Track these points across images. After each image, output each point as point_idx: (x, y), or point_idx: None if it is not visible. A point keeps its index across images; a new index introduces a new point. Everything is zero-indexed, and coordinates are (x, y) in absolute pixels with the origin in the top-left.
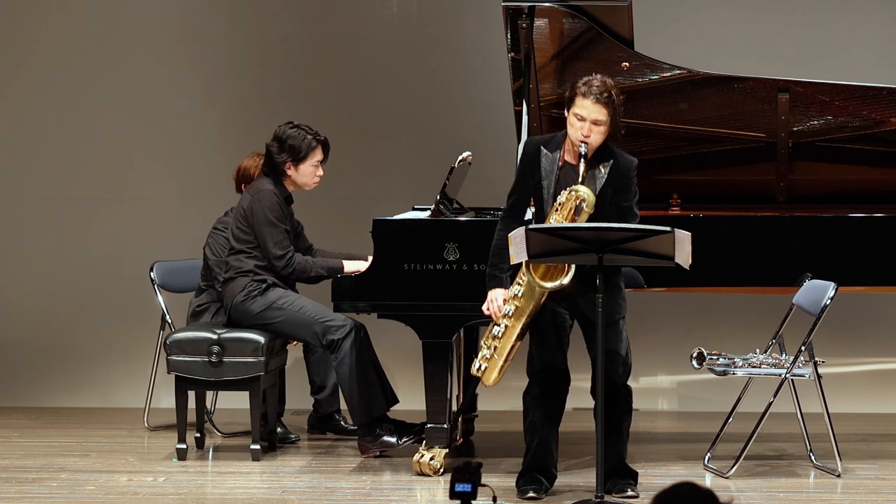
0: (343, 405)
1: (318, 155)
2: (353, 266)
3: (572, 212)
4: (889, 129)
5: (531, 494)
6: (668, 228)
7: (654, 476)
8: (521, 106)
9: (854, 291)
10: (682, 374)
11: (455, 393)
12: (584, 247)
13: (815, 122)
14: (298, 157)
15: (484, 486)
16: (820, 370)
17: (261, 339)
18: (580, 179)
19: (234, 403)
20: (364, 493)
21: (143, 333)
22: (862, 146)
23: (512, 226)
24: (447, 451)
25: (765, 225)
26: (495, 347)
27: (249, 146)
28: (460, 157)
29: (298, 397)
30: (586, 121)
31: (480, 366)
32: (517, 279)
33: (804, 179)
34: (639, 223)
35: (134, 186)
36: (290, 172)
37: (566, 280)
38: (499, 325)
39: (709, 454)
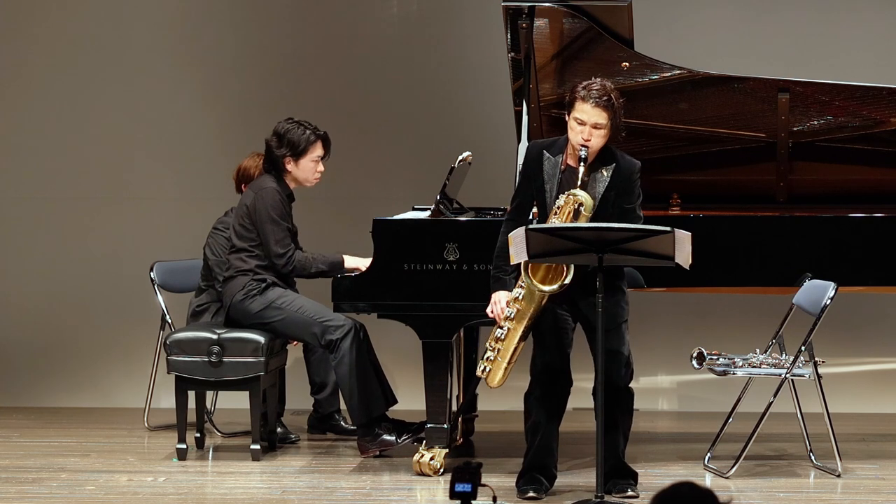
0: (343, 405)
1: (317, 149)
2: (353, 262)
3: (571, 215)
4: (889, 129)
5: (531, 494)
6: (668, 228)
7: (654, 476)
8: (521, 106)
9: (854, 291)
10: (682, 374)
11: (455, 393)
12: (584, 247)
13: (815, 122)
14: (298, 152)
15: (484, 486)
16: (820, 370)
17: (261, 339)
18: (580, 183)
19: (234, 403)
20: (364, 493)
21: (143, 333)
22: (862, 146)
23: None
24: (447, 451)
25: (765, 225)
26: (498, 350)
27: (249, 146)
28: (460, 157)
29: (298, 397)
30: (586, 125)
31: (485, 367)
32: (519, 282)
33: (804, 179)
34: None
35: (134, 186)
36: (289, 168)
37: (566, 282)
38: (501, 328)
39: (709, 454)
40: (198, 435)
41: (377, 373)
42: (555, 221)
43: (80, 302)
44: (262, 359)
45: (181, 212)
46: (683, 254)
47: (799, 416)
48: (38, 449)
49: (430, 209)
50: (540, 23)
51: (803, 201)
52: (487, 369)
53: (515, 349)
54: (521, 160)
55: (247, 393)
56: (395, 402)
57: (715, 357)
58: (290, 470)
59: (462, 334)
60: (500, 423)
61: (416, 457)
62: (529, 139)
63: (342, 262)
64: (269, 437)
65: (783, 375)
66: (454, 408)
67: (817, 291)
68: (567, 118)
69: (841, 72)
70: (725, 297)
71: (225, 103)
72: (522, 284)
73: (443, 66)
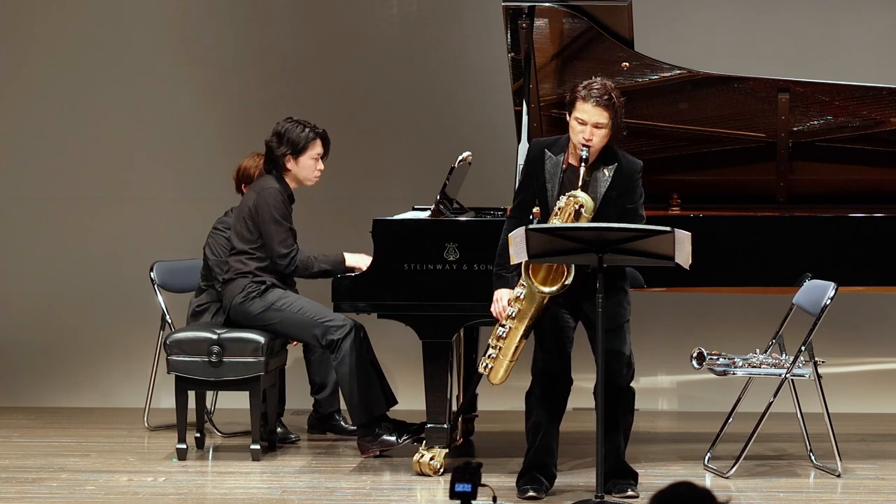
0: (343, 405)
1: (317, 147)
2: (354, 259)
3: (571, 217)
4: (889, 129)
5: (531, 494)
6: (668, 228)
7: (654, 476)
8: (521, 106)
9: (854, 291)
10: (682, 374)
11: (455, 393)
12: (584, 247)
13: (815, 122)
14: (297, 149)
15: (484, 486)
16: (820, 370)
17: (261, 339)
18: (580, 183)
19: (234, 403)
20: (364, 493)
21: (143, 333)
22: (862, 146)
23: (517, 226)
24: (447, 451)
25: (765, 225)
26: (500, 348)
27: (249, 146)
28: (460, 157)
29: (298, 397)
30: (587, 124)
31: (487, 365)
32: (521, 281)
33: (804, 179)
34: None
35: (134, 186)
36: (290, 166)
37: (567, 282)
38: (503, 326)
39: (709, 454)
40: (198, 435)
41: (377, 373)
42: (555, 223)
43: (80, 302)
44: (262, 359)
45: (181, 212)
46: (683, 254)
47: (799, 416)
48: (38, 449)
49: (430, 209)
50: (540, 23)
51: (803, 201)
52: (489, 367)
53: (517, 347)
54: (521, 160)
55: (247, 393)
56: (396, 402)
57: (715, 357)
58: (290, 470)
59: (462, 334)
60: (500, 423)
61: (416, 457)
62: (529, 139)
63: (343, 260)
64: (269, 437)
65: (783, 375)
66: (454, 408)
67: (817, 291)
68: (568, 118)
69: (841, 72)
70: (725, 297)
71: (225, 103)
72: (524, 284)
73: (443, 66)
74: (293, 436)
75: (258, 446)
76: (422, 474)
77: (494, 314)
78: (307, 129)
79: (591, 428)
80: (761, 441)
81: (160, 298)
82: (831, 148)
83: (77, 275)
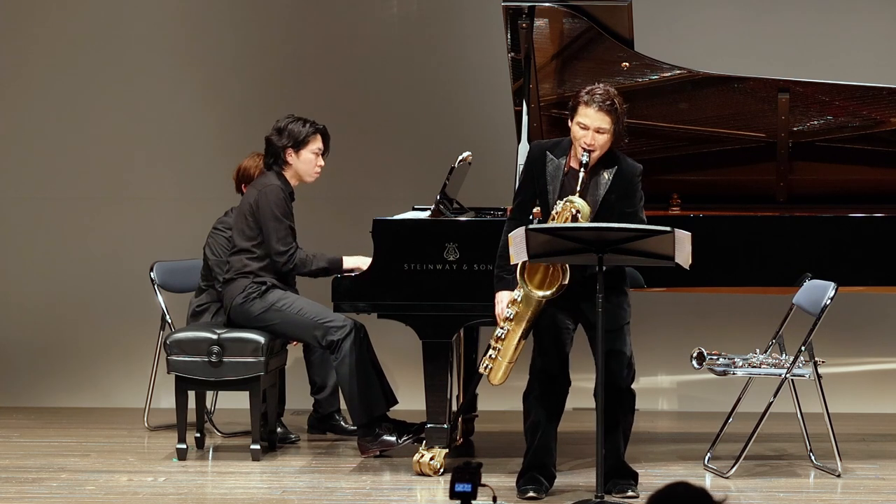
0: (343, 405)
1: (317, 142)
2: (352, 261)
3: (568, 222)
4: (889, 129)
5: (531, 494)
6: (668, 228)
7: (654, 476)
8: (521, 106)
9: (854, 291)
10: (682, 374)
11: (455, 393)
12: (584, 247)
13: (815, 122)
14: (298, 143)
15: (484, 486)
16: (820, 370)
17: (261, 339)
18: (579, 189)
19: (234, 403)
20: (364, 493)
21: (143, 333)
22: (862, 146)
23: (518, 226)
24: (447, 451)
25: (765, 225)
26: (499, 349)
27: (249, 146)
28: (460, 157)
29: (298, 397)
30: (589, 129)
31: (487, 365)
32: (519, 284)
33: (804, 179)
34: None
35: (134, 186)
36: (290, 160)
37: (563, 283)
38: (502, 328)
39: (709, 454)
40: (198, 435)
41: (377, 373)
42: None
43: (80, 302)
44: (262, 359)
45: (181, 212)
46: (683, 254)
47: (799, 416)
48: (38, 449)
49: (430, 209)
50: (540, 23)
51: (803, 201)
52: (489, 367)
53: (516, 348)
54: (521, 160)
55: (247, 393)
56: (396, 402)
57: (715, 357)
58: (290, 470)
59: (462, 334)
60: (500, 423)
61: (416, 457)
62: (529, 139)
63: (341, 260)
64: (269, 437)
65: (783, 375)
66: (454, 408)
67: (817, 291)
68: (570, 123)
69: (841, 72)
70: (725, 297)
71: (225, 103)
72: (520, 287)
73: (443, 66)
74: (293, 436)
75: (258, 446)
76: (422, 474)
77: (496, 315)
78: (308, 124)
79: (590, 428)
80: (761, 441)
81: (160, 298)
82: (831, 148)
83: (77, 275)
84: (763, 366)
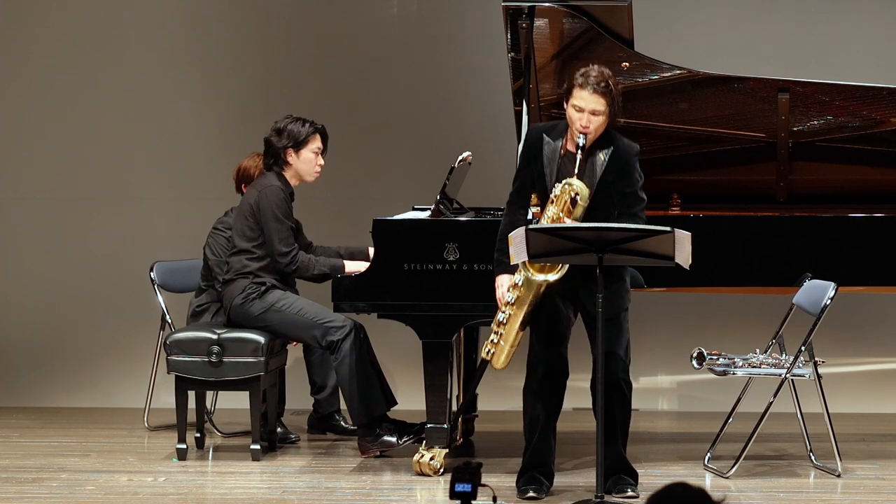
0: (343, 405)
1: (317, 141)
2: (354, 266)
3: (567, 204)
4: (889, 129)
5: (531, 494)
6: (668, 228)
7: (654, 476)
8: (521, 106)
9: (854, 291)
10: (682, 374)
11: (455, 393)
12: (584, 247)
13: (815, 122)
14: (298, 142)
15: (484, 486)
16: (820, 370)
17: (261, 339)
18: (576, 170)
19: (234, 403)
20: (364, 493)
21: (143, 333)
22: (862, 146)
23: (518, 211)
24: (447, 451)
25: (765, 225)
26: (501, 333)
27: (249, 146)
28: (460, 157)
29: (298, 397)
30: (585, 111)
31: (489, 350)
32: (519, 268)
33: (804, 179)
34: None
35: (134, 186)
36: (290, 160)
37: (563, 272)
38: (503, 312)
39: (709, 454)
40: (198, 435)
41: (377, 373)
42: (552, 210)
43: (80, 302)
44: (262, 359)
45: (181, 212)
46: (683, 254)
47: (799, 416)
48: (38, 449)
49: (430, 209)
50: (540, 23)
51: (803, 201)
52: (491, 352)
53: (517, 333)
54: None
55: (247, 393)
56: (395, 402)
57: (715, 357)
58: (290, 470)
59: (462, 334)
60: (500, 423)
61: (416, 457)
62: None
63: (343, 266)
64: (269, 437)
65: (783, 375)
66: (454, 408)
67: (817, 291)
68: (565, 106)
69: (841, 72)
70: (725, 297)
71: (225, 103)
72: (521, 272)
73: (443, 66)
74: (293, 436)
75: (258, 446)
76: (422, 474)
77: (497, 299)
78: (307, 124)
79: (590, 428)
80: (761, 441)
81: (160, 298)
82: (831, 148)
83: (77, 275)
84: (763, 366)
